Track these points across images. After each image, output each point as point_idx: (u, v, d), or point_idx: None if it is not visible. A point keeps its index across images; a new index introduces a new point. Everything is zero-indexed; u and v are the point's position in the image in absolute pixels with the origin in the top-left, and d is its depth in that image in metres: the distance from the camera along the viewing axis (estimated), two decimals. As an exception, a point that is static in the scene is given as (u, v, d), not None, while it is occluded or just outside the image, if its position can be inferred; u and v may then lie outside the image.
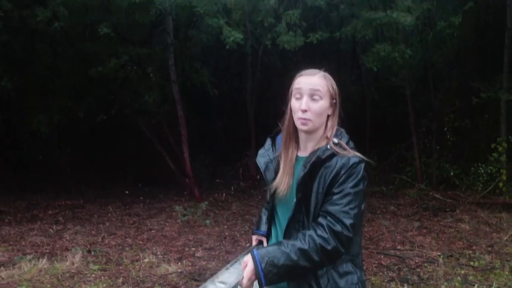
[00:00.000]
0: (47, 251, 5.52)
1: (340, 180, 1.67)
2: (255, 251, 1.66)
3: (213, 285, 1.71)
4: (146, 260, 5.11)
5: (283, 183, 1.80)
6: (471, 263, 4.91)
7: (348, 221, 1.63)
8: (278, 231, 1.90)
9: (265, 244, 2.03)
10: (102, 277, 4.60)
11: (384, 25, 6.44)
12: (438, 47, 8.35)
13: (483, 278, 4.46)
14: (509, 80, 7.99)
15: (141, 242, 5.96)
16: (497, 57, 8.27)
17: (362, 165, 1.69)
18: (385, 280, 4.49)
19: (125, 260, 5.14)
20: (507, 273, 4.57)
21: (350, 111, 12.92)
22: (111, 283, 4.44)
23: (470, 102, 8.41)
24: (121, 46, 8.01)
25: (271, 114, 10.31)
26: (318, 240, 1.63)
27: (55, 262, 4.99)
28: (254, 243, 2.12)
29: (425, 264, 4.91)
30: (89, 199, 8.94)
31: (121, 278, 4.58)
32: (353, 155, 1.70)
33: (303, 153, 1.83)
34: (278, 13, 6.75)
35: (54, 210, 8.12)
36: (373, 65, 6.73)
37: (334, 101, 1.79)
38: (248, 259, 1.67)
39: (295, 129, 1.82)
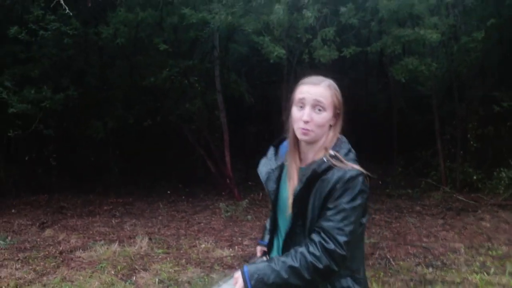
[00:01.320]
0: (114, 238, 6.36)
1: (336, 195, 1.63)
2: (245, 268, 1.65)
3: None
4: (203, 246, 5.90)
5: (290, 194, 1.75)
6: (490, 252, 5.52)
7: (342, 239, 1.59)
8: (280, 242, 1.87)
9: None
10: (168, 258, 5.40)
11: (412, 41, 7.09)
12: (462, 60, 8.94)
13: (499, 264, 5.09)
14: (529, 90, 8.56)
15: (193, 233, 6.75)
16: (518, 68, 8.85)
17: (360, 178, 1.65)
18: (413, 265, 5.16)
19: (184, 246, 5.94)
20: (521, 261, 5.19)
21: (377, 119, 13.63)
22: (176, 263, 5.23)
23: (492, 111, 8.98)
24: (170, 59, 8.87)
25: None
26: (310, 258, 1.60)
27: (125, 246, 5.82)
28: (258, 254, 2.12)
29: (448, 253, 5.55)
30: (137, 198, 9.80)
31: (183, 260, 5.36)
32: (350, 168, 1.66)
33: (303, 163, 1.80)
34: (315, 29, 7.46)
35: (108, 206, 9.00)
36: (402, 77, 7.40)
37: (338, 111, 1.77)
38: (238, 276, 1.66)
39: (297, 138, 1.79)
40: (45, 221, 7.47)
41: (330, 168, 1.65)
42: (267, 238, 2.02)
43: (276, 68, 10.58)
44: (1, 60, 8.13)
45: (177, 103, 10.34)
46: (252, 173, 12.39)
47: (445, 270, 5.01)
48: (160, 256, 5.49)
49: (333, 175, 1.63)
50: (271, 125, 12.46)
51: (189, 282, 4.63)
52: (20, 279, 4.73)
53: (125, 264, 5.18)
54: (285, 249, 1.76)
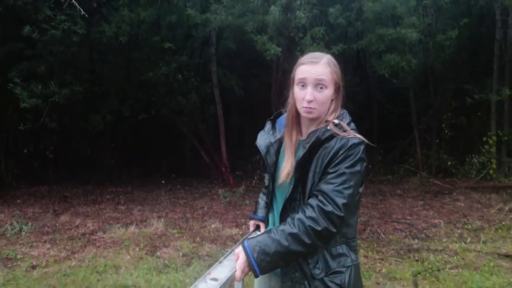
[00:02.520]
0: (128, 222, 6.89)
1: (337, 161, 1.66)
2: (245, 243, 1.65)
3: (205, 282, 1.63)
4: (212, 226, 6.51)
5: (286, 167, 1.80)
6: (466, 226, 6.33)
7: (340, 201, 1.62)
8: (275, 216, 1.92)
9: (262, 229, 2.05)
10: (183, 237, 5.98)
11: (394, 40, 7.81)
12: (437, 55, 9.76)
13: (475, 235, 5.88)
14: (498, 83, 9.43)
15: (199, 216, 7.34)
16: (488, 63, 9.72)
17: (362, 146, 1.69)
18: (400, 237, 5.91)
19: (195, 227, 6.54)
20: (492, 232, 6.00)
21: (356, 111, 14.41)
22: (192, 241, 5.82)
23: (465, 102, 9.84)
24: (166, 55, 9.36)
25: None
26: (308, 222, 1.62)
27: (141, 228, 6.37)
28: (251, 228, 2.14)
29: (430, 228, 6.33)
30: (135, 187, 10.29)
31: (198, 238, 5.96)
32: (353, 136, 1.70)
33: (304, 137, 1.84)
34: (305, 28, 8.09)
35: (110, 195, 9.47)
36: (385, 72, 8.12)
37: (338, 86, 1.80)
38: (239, 251, 1.66)
39: (298, 114, 1.84)
40: (56, 208, 7.93)
41: (333, 136, 1.70)
42: (260, 212, 2.09)
43: (261, 62, 11.19)
44: (8, 57, 8.49)
45: (171, 97, 10.83)
46: (239, 163, 13.04)
47: (428, 240, 5.77)
48: (176, 236, 6.07)
49: (336, 143, 1.68)
50: (253, 118, 13.09)
51: (208, 255, 5.23)
52: (55, 256, 5.24)
53: (146, 242, 5.74)
54: (283, 216, 1.77)
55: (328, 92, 1.76)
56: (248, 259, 1.62)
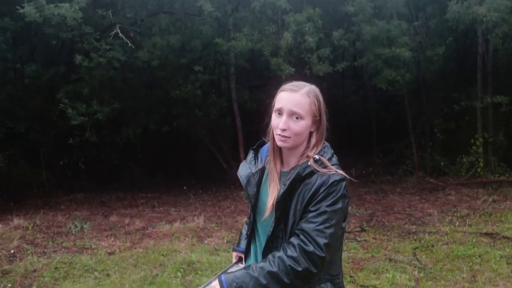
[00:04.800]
0: (170, 219, 8.11)
1: (318, 198, 1.64)
2: (222, 277, 1.63)
3: None
4: (244, 220, 7.73)
5: (270, 201, 1.75)
6: (455, 214, 7.60)
7: (322, 241, 1.60)
8: (257, 248, 1.87)
9: (244, 262, 2.02)
10: (222, 230, 7.21)
11: (389, 58, 9.11)
12: (427, 68, 11.07)
13: (462, 220, 7.16)
14: (482, 92, 10.75)
15: (228, 214, 8.56)
16: (472, 74, 11.05)
17: (343, 183, 1.66)
18: (401, 224, 7.17)
19: (229, 222, 7.77)
20: (477, 217, 7.28)
21: (354, 117, 15.70)
22: (231, 232, 7.04)
23: (453, 109, 11.14)
24: (190, 74, 10.62)
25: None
26: (288, 262, 1.60)
27: (184, 223, 7.59)
28: (234, 260, 2.11)
29: (425, 216, 7.60)
30: (161, 193, 11.50)
31: (234, 229, 7.18)
32: (334, 172, 1.67)
33: (286, 168, 1.80)
34: (312, 49, 9.37)
35: (142, 200, 10.68)
36: (383, 85, 9.42)
37: (318, 118, 1.76)
38: (215, 285, 1.64)
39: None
40: (102, 211, 9.14)
41: (313, 172, 1.67)
42: (243, 243, 2.03)
43: (269, 77, 12.46)
44: (52, 80, 9.75)
45: (191, 111, 12.09)
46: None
47: (424, 225, 7.03)
48: (215, 228, 7.30)
49: (317, 179, 1.66)
50: (266, 127, 14.33)
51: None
52: (122, 246, 6.45)
53: (192, 234, 6.96)
54: (265, 254, 1.74)
55: (304, 123, 1.72)
56: None
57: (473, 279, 4.64)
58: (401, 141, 13.37)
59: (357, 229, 6.91)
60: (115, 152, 12.75)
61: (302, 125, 1.71)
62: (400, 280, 4.68)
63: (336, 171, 1.68)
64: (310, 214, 1.64)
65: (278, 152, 1.81)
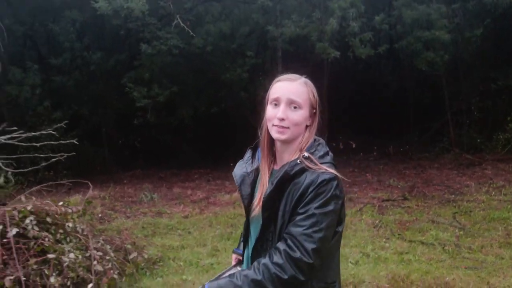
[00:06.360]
0: (228, 190, 9.02)
1: (307, 199, 1.53)
2: (206, 285, 1.59)
3: None
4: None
5: (257, 199, 1.67)
6: (491, 185, 8.21)
7: (309, 246, 1.50)
8: (250, 250, 1.78)
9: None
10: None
11: (429, 40, 9.66)
12: (465, 48, 11.52)
13: (498, 191, 7.77)
14: (518, 71, 11.16)
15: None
16: (510, 54, 11.44)
17: (334, 183, 1.55)
18: (441, 194, 7.85)
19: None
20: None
21: (391, 97, 16.20)
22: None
23: (490, 88, 11.59)
24: (239, 58, 11.41)
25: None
26: (273, 269, 1.52)
27: (242, 193, 8.47)
28: (233, 262, 2.08)
29: (463, 187, 8.24)
30: (213, 169, 12.44)
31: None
32: (324, 171, 1.56)
33: (278, 166, 1.71)
34: (355, 34, 9.99)
35: (195, 175, 11.65)
36: (422, 66, 9.99)
37: (314, 110, 1.68)
38: None
39: (272, 140, 1.70)
40: (164, 184, 10.15)
41: (303, 170, 1.57)
42: (241, 245, 1.96)
43: (309, 59, 13.13)
44: (115, 66, 10.74)
45: (238, 93, 12.92)
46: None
47: (462, 195, 7.70)
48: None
49: (305, 178, 1.55)
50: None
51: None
52: (192, 211, 7.38)
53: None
54: (254, 257, 1.68)
55: (303, 113, 1.64)
56: None
57: (507, 235, 5.34)
58: (437, 119, 13.85)
59: (400, 198, 7.65)
60: (169, 132, 13.76)
61: (302, 115, 1.64)
62: (443, 236, 5.43)
63: (326, 169, 1.57)
64: (298, 217, 1.54)
65: (271, 148, 1.74)
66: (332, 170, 1.57)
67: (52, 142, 5.88)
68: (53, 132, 5.14)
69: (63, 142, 5.78)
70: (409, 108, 14.73)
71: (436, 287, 3.84)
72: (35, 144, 5.41)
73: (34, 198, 4.87)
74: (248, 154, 1.85)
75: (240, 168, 1.81)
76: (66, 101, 11.69)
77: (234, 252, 2.09)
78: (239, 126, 14.48)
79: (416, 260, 4.73)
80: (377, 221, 6.23)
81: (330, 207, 1.53)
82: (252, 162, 1.80)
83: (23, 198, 4.77)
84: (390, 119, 14.93)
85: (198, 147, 14.10)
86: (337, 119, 13.65)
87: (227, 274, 1.82)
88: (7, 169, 6.37)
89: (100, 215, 7.28)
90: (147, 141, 13.78)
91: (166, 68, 10.52)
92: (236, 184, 1.79)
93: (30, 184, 9.58)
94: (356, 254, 4.99)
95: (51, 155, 5.43)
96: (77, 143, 5.85)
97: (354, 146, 13.29)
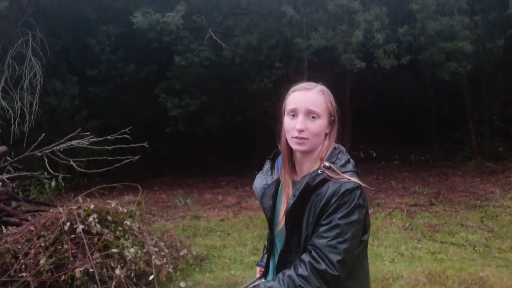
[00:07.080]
0: (256, 197, 9.33)
1: (330, 210, 1.52)
2: None
3: None
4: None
5: (281, 212, 1.65)
6: (516, 192, 8.44)
7: (335, 258, 1.49)
8: (275, 262, 1.76)
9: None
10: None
11: (452, 51, 9.95)
12: (487, 58, 11.77)
13: (522, 196, 8.01)
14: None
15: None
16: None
17: (357, 192, 1.54)
18: (467, 200, 8.10)
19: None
20: (535, 194, 8.11)
21: (411, 106, 16.42)
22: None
23: (512, 97, 11.81)
24: (265, 69, 11.81)
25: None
26: (298, 282, 1.51)
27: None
28: (257, 275, 2.06)
29: (488, 193, 8.48)
30: (237, 177, 12.79)
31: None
32: (346, 180, 1.55)
33: (299, 176, 1.70)
34: (380, 45, 10.31)
35: (223, 182, 12.03)
36: (445, 76, 10.28)
37: (333, 118, 1.67)
38: None
39: (291, 150, 1.69)
40: (195, 190, 10.53)
41: (325, 181, 1.56)
42: (265, 258, 1.94)
43: (331, 69, 13.47)
44: (147, 77, 11.22)
45: (261, 102, 13.30)
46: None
47: (487, 201, 7.94)
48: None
49: (328, 189, 1.54)
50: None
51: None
52: (226, 215, 7.73)
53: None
54: (279, 269, 1.66)
55: (322, 122, 1.63)
56: None
57: (535, 238, 5.60)
58: (459, 128, 14.06)
59: (427, 203, 7.91)
60: (195, 141, 14.19)
61: (320, 125, 1.62)
62: (472, 238, 5.71)
63: (349, 179, 1.56)
64: (322, 228, 1.53)
65: (291, 159, 1.72)
66: (355, 179, 1.57)
67: (107, 147, 6.41)
68: (110, 138, 5.62)
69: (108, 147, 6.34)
70: (430, 117, 14.97)
71: (472, 281, 4.12)
72: (107, 147, 6.09)
73: (88, 200, 5.28)
74: (267, 165, 1.84)
75: (261, 181, 1.81)
76: (99, 111, 12.21)
77: (258, 264, 2.10)
78: (262, 135, 14.85)
79: (449, 259, 5.02)
80: (407, 224, 6.51)
81: (354, 217, 1.52)
82: (271, 173, 1.79)
83: (80, 199, 5.19)
84: (411, 128, 15.18)
85: (223, 155, 14.50)
86: (358, 128, 13.97)
87: (251, 286, 1.81)
88: (57, 173, 6.86)
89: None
90: (174, 149, 14.22)
91: (196, 78, 10.95)
92: (257, 197, 1.79)
93: (66, 190, 10.11)
94: (391, 253, 5.28)
95: (119, 157, 6.15)
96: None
97: (374, 155, 13.54)
